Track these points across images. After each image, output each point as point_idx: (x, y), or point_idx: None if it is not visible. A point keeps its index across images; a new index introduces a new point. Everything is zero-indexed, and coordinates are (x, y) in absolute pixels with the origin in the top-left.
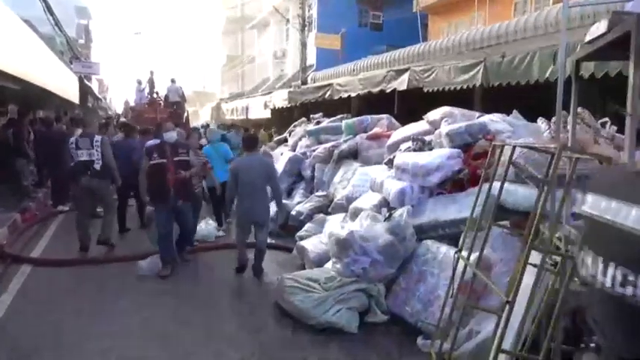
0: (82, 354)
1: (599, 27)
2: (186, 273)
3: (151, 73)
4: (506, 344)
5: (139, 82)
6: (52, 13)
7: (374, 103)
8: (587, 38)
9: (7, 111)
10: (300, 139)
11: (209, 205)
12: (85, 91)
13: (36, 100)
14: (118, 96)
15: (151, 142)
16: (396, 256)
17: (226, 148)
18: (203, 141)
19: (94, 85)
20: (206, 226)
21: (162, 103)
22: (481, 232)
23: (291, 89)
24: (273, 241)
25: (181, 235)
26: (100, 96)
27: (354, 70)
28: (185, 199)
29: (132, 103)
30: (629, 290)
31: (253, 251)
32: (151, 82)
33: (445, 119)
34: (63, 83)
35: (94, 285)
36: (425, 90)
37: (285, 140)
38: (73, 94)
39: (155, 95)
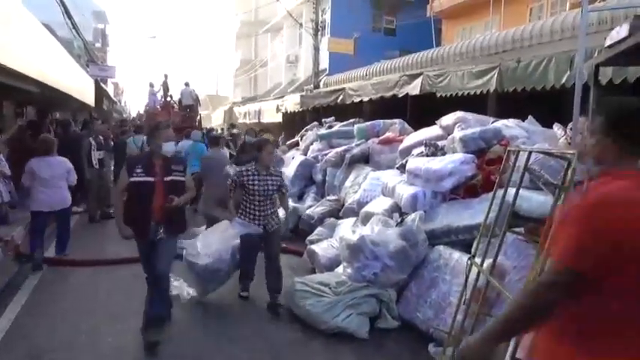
0: (96, 353)
1: (620, 32)
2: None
3: (165, 76)
4: (520, 353)
5: (152, 86)
6: (70, 17)
7: (386, 107)
8: (607, 43)
9: (24, 113)
10: (311, 143)
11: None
12: (100, 94)
13: (53, 102)
14: (133, 99)
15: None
16: (408, 262)
17: (202, 147)
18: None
19: (110, 89)
20: None
21: (176, 107)
22: (495, 239)
23: (304, 93)
24: (284, 245)
25: (154, 279)
26: (115, 99)
27: (366, 74)
28: (171, 232)
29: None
30: None
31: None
32: (165, 86)
33: (458, 124)
34: (79, 86)
35: (107, 285)
36: (438, 95)
37: (297, 144)
38: (89, 97)
39: (169, 99)
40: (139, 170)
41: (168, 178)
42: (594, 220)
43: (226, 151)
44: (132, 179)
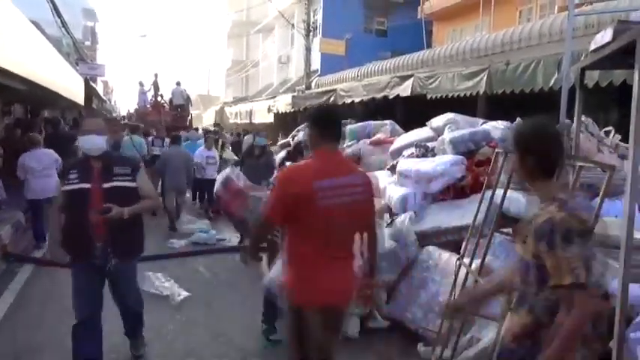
0: None
1: (605, 36)
2: (187, 274)
3: (156, 75)
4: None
5: (142, 85)
6: (59, 15)
7: (377, 109)
8: (592, 47)
9: (11, 111)
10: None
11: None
12: (90, 92)
13: (41, 101)
14: (123, 98)
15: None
16: (398, 263)
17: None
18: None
19: (99, 87)
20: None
21: (167, 106)
22: (483, 239)
23: (295, 94)
24: None
25: (123, 317)
26: (104, 98)
27: (358, 75)
28: (124, 255)
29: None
30: None
31: None
32: (156, 85)
33: (448, 126)
34: (68, 84)
35: None
36: (428, 97)
37: (289, 145)
38: (78, 96)
39: (159, 98)
40: (72, 176)
41: (109, 184)
42: (279, 186)
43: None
44: (64, 187)
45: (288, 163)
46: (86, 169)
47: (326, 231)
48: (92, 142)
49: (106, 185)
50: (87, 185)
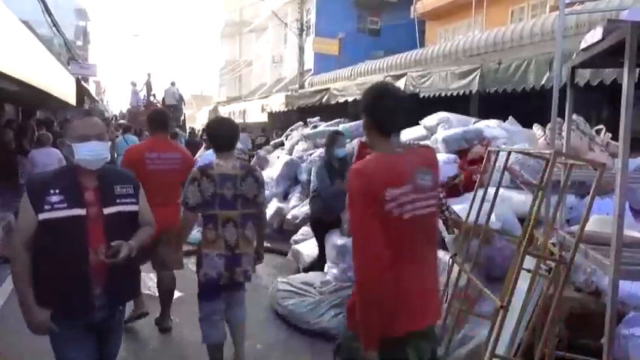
0: None
1: (594, 34)
2: (179, 275)
3: (149, 75)
4: (500, 350)
5: (134, 84)
6: (50, 15)
7: None
8: (582, 45)
9: (3, 112)
10: (296, 142)
11: None
12: (82, 92)
13: (33, 101)
14: (116, 98)
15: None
16: None
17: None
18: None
19: (92, 87)
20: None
21: (159, 106)
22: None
23: (289, 93)
24: (269, 245)
25: None
26: (97, 98)
27: (351, 74)
28: (123, 300)
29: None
30: None
31: None
32: (148, 85)
33: (441, 125)
34: (60, 84)
35: None
36: (421, 95)
37: (282, 144)
38: (70, 96)
39: (152, 98)
40: (54, 198)
41: (111, 209)
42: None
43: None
44: (43, 216)
45: None
46: (75, 188)
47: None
48: (95, 152)
49: (108, 210)
50: (81, 211)
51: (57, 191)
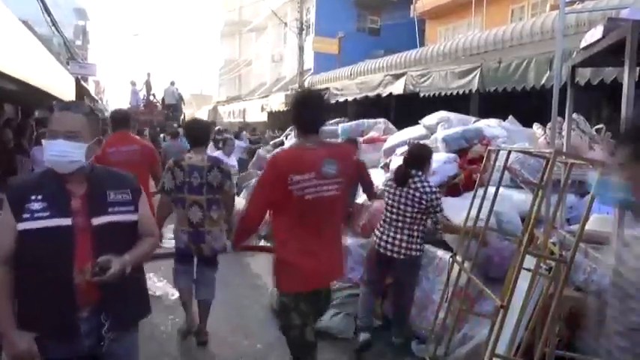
0: None
1: (595, 33)
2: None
3: (148, 75)
4: (500, 349)
5: (134, 84)
6: (49, 14)
7: (371, 107)
8: (583, 44)
9: (3, 111)
10: None
11: None
12: (81, 92)
13: (31, 100)
14: (115, 98)
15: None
16: None
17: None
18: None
19: (91, 87)
20: None
21: (159, 106)
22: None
23: (289, 93)
24: (269, 244)
25: None
26: (96, 97)
27: (351, 74)
28: (123, 322)
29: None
30: None
31: None
32: (148, 85)
33: (441, 124)
34: (59, 84)
35: None
36: (421, 95)
37: (282, 143)
38: (69, 95)
39: (152, 98)
40: (36, 206)
41: (102, 220)
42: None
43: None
44: (22, 226)
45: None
46: (60, 195)
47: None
48: (60, 152)
49: (98, 221)
50: (65, 221)
51: (39, 197)
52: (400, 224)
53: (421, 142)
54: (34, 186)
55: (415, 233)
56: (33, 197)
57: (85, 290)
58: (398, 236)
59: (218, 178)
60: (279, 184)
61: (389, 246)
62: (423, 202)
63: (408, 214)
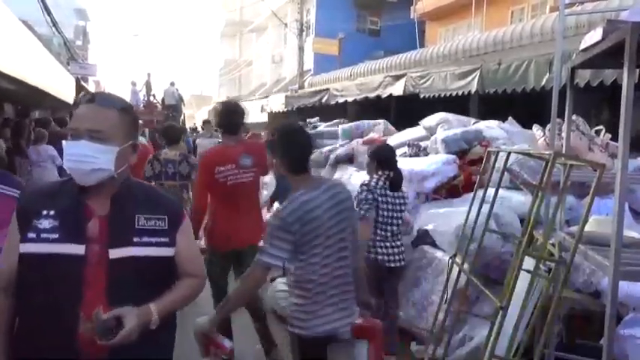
0: None
1: (594, 35)
2: None
3: (148, 75)
4: (499, 350)
5: (134, 84)
6: (49, 14)
7: (370, 108)
8: (582, 46)
9: (3, 111)
10: None
11: None
12: (81, 92)
13: (31, 100)
14: None
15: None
16: None
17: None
18: None
19: (91, 87)
20: None
21: (159, 106)
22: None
23: (288, 93)
24: None
25: None
26: None
27: (351, 75)
28: None
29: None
30: None
31: None
32: (148, 85)
33: (441, 125)
34: (59, 84)
35: None
36: (421, 96)
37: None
38: (69, 96)
39: (152, 98)
40: (44, 223)
41: (122, 252)
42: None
43: None
44: (24, 247)
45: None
46: (76, 212)
47: None
48: (79, 157)
49: (117, 253)
50: (77, 249)
51: (51, 213)
52: (396, 229)
53: (421, 142)
54: (49, 197)
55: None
56: (44, 212)
57: (90, 344)
58: (399, 243)
59: (187, 169)
60: (209, 174)
61: (395, 257)
62: (407, 200)
63: (401, 218)
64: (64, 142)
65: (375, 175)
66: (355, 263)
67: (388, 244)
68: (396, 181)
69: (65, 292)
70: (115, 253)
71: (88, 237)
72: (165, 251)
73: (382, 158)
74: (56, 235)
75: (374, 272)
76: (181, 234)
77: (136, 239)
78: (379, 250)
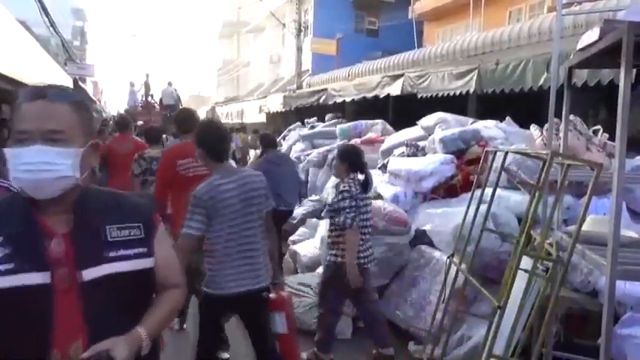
0: None
1: (591, 35)
2: None
3: (147, 76)
4: (497, 349)
5: (132, 85)
6: (47, 15)
7: (368, 108)
8: (579, 46)
9: (1, 111)
10: (294, 143)
11: None
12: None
13: None
14: (113, 99)
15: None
16: (391, 268)
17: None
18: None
19: (89, 88)
20: None
21: (157, 107)
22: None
23: (286, 93)
24: None
25: None
26: (94, 98)
27: (349, 75)
28: None
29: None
30: None
31: None
32: (147, 86)
33: (439, 125)
34: (57, 85)
35: None
36: (419, 96)
37: (280, 144)
38: None
39: (150, 98)
40: None
41: (97, 272)
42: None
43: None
44: None
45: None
46: (31, 233)
47: None
48: (36, 164)
49: (91, 274)
50: (39, 277)
51: (0, 239)
52: (369, 230)
53: (418, 142)
54: None
55: None
56: None
57: None
58: (370, 244)
59: None
60: (171, 167)
61: (370, 257)
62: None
63: (370, 218)
64: (6, 150)
65: (347, 179)
66: (269, 244)
67: (366, 246)
68: (367, 183)
69: (32, 331)
70: (87, 275)
71: (51, 261)
72: (145, 263)
73: (354, 160)
74: (11, 265)
75: (343, 274)
76: (159, 241)
77: (110, 254)
78: (361, 254)
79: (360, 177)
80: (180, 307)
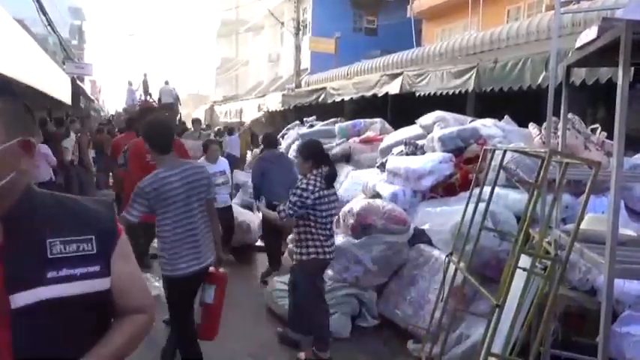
0: None
1: (589, 33)
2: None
3: (145, 75)
4: (496, 348)
5: (130, 84)
6: (45, 14)
7: (367, 107)
8: (577, 44)
9: None
10: (293, 142)
11: None
12: (77, 92)
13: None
14: (112, 98)
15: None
16: (390, 267)
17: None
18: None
19: (87, 87)
20: None
21: (155, 105)
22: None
23: (285, 92)
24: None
25: None
26: (92, 97)
27: (347, 74)
28: None
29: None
30: None
31: None
32: (145, 84)
33: (438, 124)
34: (55, 84)
35: None
36: (418, 95)
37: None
38: (65, 95)
39: (148, 97)
40: None
41: (32, 296)
42: None
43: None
44: None
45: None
46: None
47: None
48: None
49: (24, 299)
50: None
51: None
52: (331, 225)
53: (417, 141)
54: None
55: None
56: None
57: None
58: (334, 237)
59: None
60: (141, 158)
61: (332, 250)
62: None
63: (335, 213)
64: None
65: (310, 175)
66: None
67: (330, 242)
68: (331, 177)
69: None
70: (18, 300)
71: None
72: (96, 284)
73: (318, 156)
74: None
75: (321, 269)
76: (118, 257)
77: (50, 274)
78: (326, 249)
79: (325, 169)
80: (144, 336)
